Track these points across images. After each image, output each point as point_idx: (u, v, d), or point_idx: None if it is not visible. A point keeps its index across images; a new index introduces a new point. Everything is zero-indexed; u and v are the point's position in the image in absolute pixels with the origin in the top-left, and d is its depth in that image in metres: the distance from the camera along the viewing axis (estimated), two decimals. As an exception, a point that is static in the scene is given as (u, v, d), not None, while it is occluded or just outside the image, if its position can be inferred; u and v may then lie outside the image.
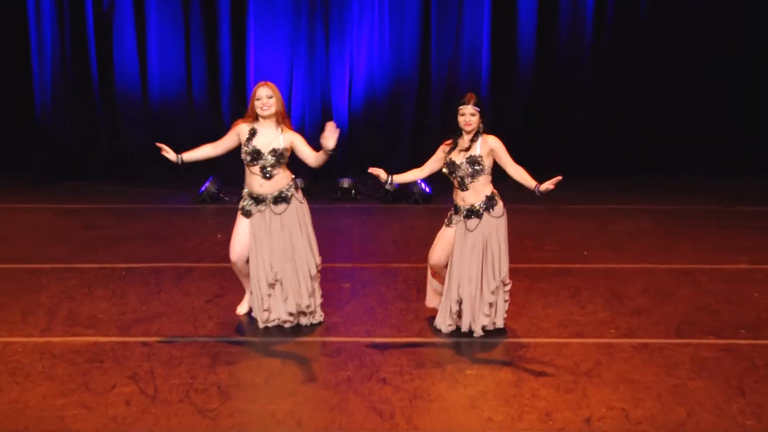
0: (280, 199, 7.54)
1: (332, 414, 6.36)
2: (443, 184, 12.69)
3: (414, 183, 12.03)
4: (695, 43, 13.40)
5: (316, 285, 7.78)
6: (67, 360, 7.10)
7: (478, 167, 7.30)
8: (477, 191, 7.36)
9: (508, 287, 7.58)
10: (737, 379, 6.83)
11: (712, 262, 9.59)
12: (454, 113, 7.41)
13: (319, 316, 7.84)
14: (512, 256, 9.57)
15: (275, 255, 7.56)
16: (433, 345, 7.46)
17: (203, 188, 12.06)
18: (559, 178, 7.13)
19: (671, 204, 11.77)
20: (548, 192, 7.18)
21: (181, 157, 7.59)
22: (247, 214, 7.60)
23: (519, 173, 7.34)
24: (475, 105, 7.31)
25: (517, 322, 7.88)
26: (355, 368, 7.03)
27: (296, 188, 7.66)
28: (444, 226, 7.63)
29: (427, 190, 12.04)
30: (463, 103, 7.34)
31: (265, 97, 7.41)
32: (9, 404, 6.40)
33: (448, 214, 7.59)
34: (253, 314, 7.85)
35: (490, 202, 7.38)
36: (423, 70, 13.25)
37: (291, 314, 7.67)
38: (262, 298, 7.65)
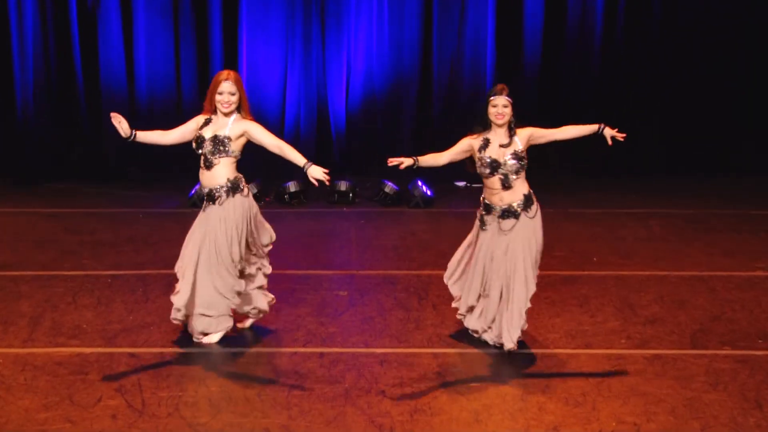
0: (209, 197, 7.34)
1: (329, 428, 6.37)
2: (445, 186, 12.79)
3: (415, 186, 12.04)
4: (710, 39, 13.43)
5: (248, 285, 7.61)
6: (50, 372, 7.11)
7: (523, 162, 7.23)
8: (516, 190, 7.25)
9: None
10: (754, 391, 6.85)
11: (727, 268, 9.61)
12: (481, 105, 7.31)
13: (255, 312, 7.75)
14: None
15: (186, 250, 7.42)
16: (434, 356, 7.47)
17: (193, 191, 12.08)
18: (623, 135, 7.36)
19: (684, 208, 11.79)
20: (612, 139, 7.41)
21: (135, 133, 7.52)
22: (199, 205, 7.54)
23: (569, 131, 7.43)
24: (508, 96, 7.23)
25: (525, 331, 7.89)
26: (353, 380, 7.04)
27: (230, 192, 7.31)
28: (476, 232, 7.53)
29: (429, 193, 12.05)
30: (495, 94, 7.22)
31: (227, 93, 7.22)
32: (-11, 418, 6.40)
33: (479, 216, 7.47)
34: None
35: (527, 201, 7.28)
36: (424, 67, 13.27)
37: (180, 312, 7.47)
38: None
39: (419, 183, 12.07)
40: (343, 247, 10.42)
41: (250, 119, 7.38)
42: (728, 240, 10.54)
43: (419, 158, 7.40)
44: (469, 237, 7.65)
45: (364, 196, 12.29)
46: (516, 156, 7.20)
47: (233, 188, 7.31)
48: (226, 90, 7.20)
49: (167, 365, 7.25)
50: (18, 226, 10.92)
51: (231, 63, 12.86)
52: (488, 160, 7.22)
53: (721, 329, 8.03)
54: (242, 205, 7.34)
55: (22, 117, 12.75)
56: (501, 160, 7.21)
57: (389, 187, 12.09)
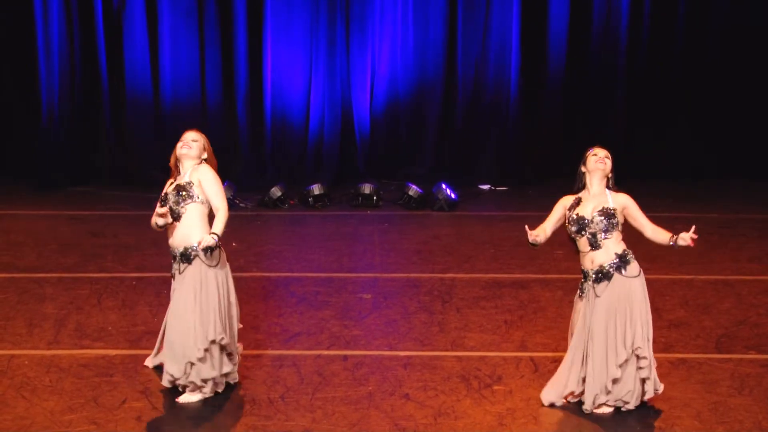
0: (184, 257, 6.74)
1: (353, 431, 6.39)
2: (469, 189, 12.79)
3: (439, 189, 12.05)
4: (735, 42, 13.36)
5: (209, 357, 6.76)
6: (75, 374, 7.16)
7: (614, 220, 6.66)
8: (608, 249, 6.64)
9: (644, 361, 6.59)
10: (780, 396, 6.84)
11: (753, 273, 9.58)
12: (575, 165, 6.91)
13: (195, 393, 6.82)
14: (542, 266, 9.64)
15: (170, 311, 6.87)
16: (458, 359, 7.49)
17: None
18: (695, 234, 6.70)
19: (710, 212, 11.74)
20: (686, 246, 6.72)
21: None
22: (173, 276, 6.91)
23: (656, 232, 6.77)
24: (609, 152, 6.77)
25: (548, 335, 7.90)
26: (377, 383, 7.07)
27: (206, 250, 6.66)
28: (576, 301, 6.87)
29: (453, 196, 12.05)
30: (595, 146, 6.82)
31: (190, 140, 6.84)
32: (15, 420, 6.46)
33: (580, 285, 6.83)
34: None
35: (622, 261, 6.65)
36: (448, 70, 13.26)
37: (170, 380, 6.82)
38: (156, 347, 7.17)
39: (443, 186, 12.07)
40: (366, 251, 10.45)
41: (213, 169, 6.88)
42: (755, 245, 10.49)
43: (536, 238, 6.68)
44: (571, 324, 6.97)
45: (388, 199, 12.30)
46: (605, 213, 6.66)
47: (204, 250, 6.67)
48: (188, 138, 6.85)
49: (191, 368, 7.28)
50: (42, 229, 10.99)
51: (255, 67, 12.90)
52: (575, 218, 6.68)
53: (746, 334, 8.01)
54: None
55: (47, 120, 12.81)
56: (588, 217, 6.67)
57: (413, 190, 12.10)
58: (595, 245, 6.65)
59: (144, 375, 7.14)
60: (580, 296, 6.76)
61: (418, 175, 12.81)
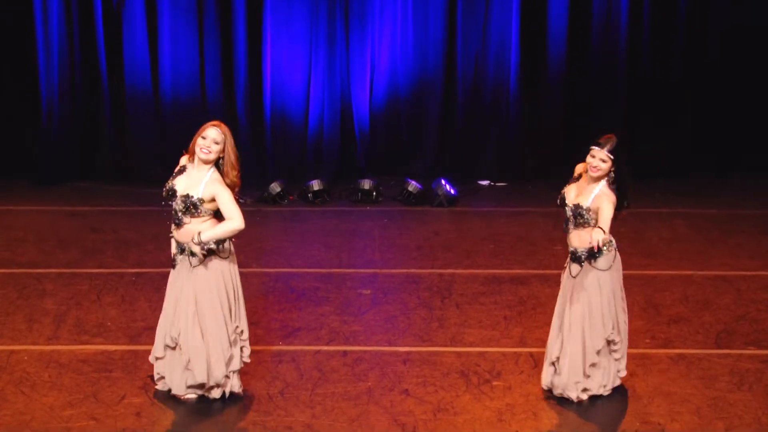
0: (192, 252, 6.59)
1: (352, 427, 6.40)
2: (469, 185, 12.79)
3: (438, 185, 12.04)
4: (736, 39, 13.36)
5: (235, 351, 6.77)
6: (74, 369, 7.17)
7: (581, 220, 6.68)
8: (581, 238, 6.70)
9: (618, 354, 6.84)
10: (780, 392, 6.85)
11: (752, 269, 9.58)
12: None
13: (235, 386, 6.84)
14: (542, 261, 9.64)
15: (179, 314, 6.71)
16: (457, 355, 7.49)
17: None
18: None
19: (709, 208, 11.74)
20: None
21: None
22: (173, 263, 6.79)
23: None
24: (610, 151, 6.64)
25: (547, 331, 7.85)
26: (376, 379, 7.07)
27: (218, 243, 6.60)
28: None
29: (452, 192, 12.04)
30: (597, 144, 6.67)
31: (211, 140, 6.55)
32: (14, 415, 6.47)
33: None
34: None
35: (590, 254, 6.68)
36: (448, 66, 13.24)
37: (189, 386, 6.73)
38: (156, 358, 6.87)
39: (443, 182, 12.07)
40: (366, 246, 10.45)
41: (231, 181, 6.65)
42: (754, 241, 10.49)
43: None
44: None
45: (387, 195, 12.29)
46: (577, 208, 6.68)
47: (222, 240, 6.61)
48: (210, 136, 6.56)
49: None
50: (42, 224, 10.99)
51: (255, 63, 12.89)
52: (561, 194, 6.81)
53: (745, 329, 8.02)
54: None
55: (47, 116, 12.80)
56: (567, 201, 6.77)
57: (413, 186, 12.09)
58: (565, 228, 6.79)
59: (143, 371, 7.15)
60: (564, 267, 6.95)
61: (417, 171, 12.80)
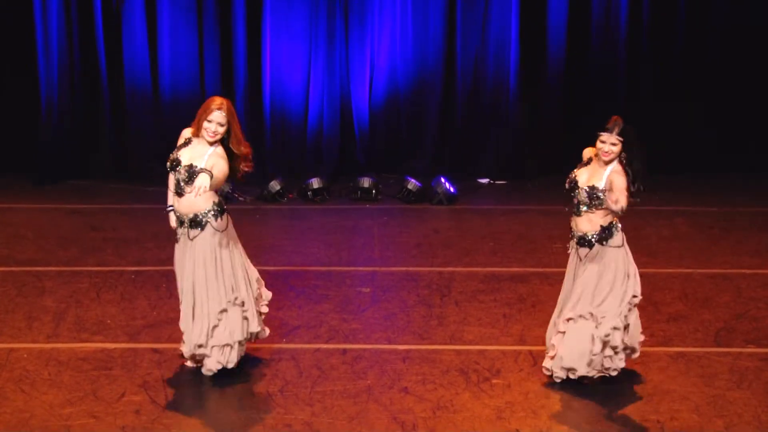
0: (195, 223, 6.84)
1: (351, 425, 6.40)
2: (468, 183, 12.79)
3: (438, 183, 12.04)
4: (735, 37, 13.35)
5: (228, 323, 6.97)
6: (74, 367, 7.17)
7: (596, 201, 6.73)
8: (592, 221, 6.79)
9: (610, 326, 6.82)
10: (779, 390, 6.85)
11: (752, 266, 9.58)
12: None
13: (230, 362, 7.03)
14: (542, 259, 9.64)
15: (185, 282, 7.00)
16: (457, 353, 7.49)
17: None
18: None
19: (709, 206, 11.74)
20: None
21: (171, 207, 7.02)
22: (176, 238, 7.03)
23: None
24: (620, 134, 6.74)
25: (547, 329, 7.89)
26: (376, 377, 7.07)
27: (217, 215, 6.87)
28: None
29: (452, 190, 12.04)
30: (606, 130, 6.75)
31: (216, 123, 6.77)
32: (14, 413, 6.47)
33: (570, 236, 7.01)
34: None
35: (605, 233, 6.79)
36: (448, 64, 13.23)
37: (194, 346, 6.99)
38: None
39: (442, 180, 12.07)
40: (365, 244, 10.45)
41: (242, 153, 6.89)
42: (754, 238, 10.49)
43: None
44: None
45: (387, 193, 12.29)
46: (591, 191, 6.73)
47: (214, 214, 6.88)
48: (216, 120, 6.77)
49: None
50: (42, 222, 10.99)
51: (254, 61, 12.88)
52: (572, 178, 6.85)
53: (745, 327, 8.02)
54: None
55: (46, 114, 12.80)
56: (580, 186, 6.81)
57: (412, 184, 12.09)
58: (577, 212, 6.82)
59: (143, 368, 7.15)
60: (569, 251, 7.00)
61: (417, 170, 12.80)
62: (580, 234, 6.84)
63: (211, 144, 6.81)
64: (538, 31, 13.00)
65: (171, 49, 12.77)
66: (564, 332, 6.88)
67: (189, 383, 7.01)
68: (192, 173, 6.74)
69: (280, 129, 12.97)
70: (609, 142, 6.73)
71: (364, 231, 10.94)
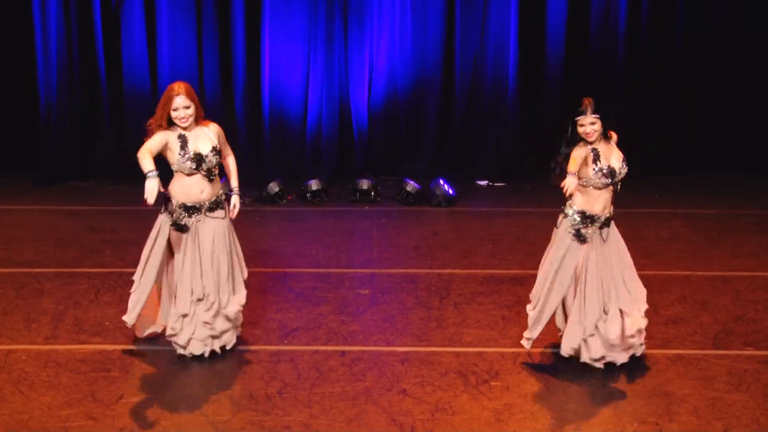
0: (216, 203, 7.27)
1: (350, 427, 6.41)
2: (467, 185, 12.78)
3: (436, 184, 12.04)
4: (734, 39, 13.37)
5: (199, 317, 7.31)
6: (72, 369, 7.17)
7: (618, 179, 7.13)
8: (608, 201, 7.16)
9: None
10: (778, 392, 6.85)
11: (751, 269, 9.58)
12: (569, 123, 7.11)
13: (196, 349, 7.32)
14: (538, 262, 9.64)
15: (205, 266, 7.24)
16: (455, 355, 7.50)
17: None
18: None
19: (708, 208, 11.75)
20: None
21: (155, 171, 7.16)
22: (183, 228, 7.21)
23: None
24: (594, 112, 6.94)
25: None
26: (374, 379, 7.08)
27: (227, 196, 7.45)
28: (574, 245, 7.08)
29: (451, 192, 12.04)
30: (581, 114, 6.95)
31: (182, 108, 7.01)
32: (12, 415, 6.47)
33: (576, 230, 7.07)
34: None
35: (609, 218, 7.21)
36: (447, 65, 13.24)
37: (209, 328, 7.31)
38: (180, 316, 7.26)
39: (441, 182, 12.07)
40: (364, 246, 10.45)
41: (208, 123, 7.30)
42: (753, 241, 10.49)
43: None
44: (551, 256, 7.22)
45: (385, 195, 12.30)
46: (626, 162, 7.13)
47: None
48: (181, 105, 7.01)
49: (189, 363, 7.29)
50: (40, 224, 10.99)
51: (253, 62, 12.88)
52: (607, 169, 6.99)
53: (744, 330, 8.02)
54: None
55: (44, 116, 12.80)
56: (617, 168, 7.05)
57: (411, 185, 12.09)
58: (616, 192, 7.10)
59: (141, 370, 7.16)
60: (582, 241, 7.02)
61: (416, 171, 12.80)
62: (607, 215, 7.09)
63: (188, 128, 7.08)
64: (538, 32, 13.00)
65: (170, 50, 12.77)
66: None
67: (187, 385, 7.01)
68: (217, 152, 7.14)
69: (278, 130, 12.96)
70: (588, 123, 6.94)
71: (363, 233, 10.95)
